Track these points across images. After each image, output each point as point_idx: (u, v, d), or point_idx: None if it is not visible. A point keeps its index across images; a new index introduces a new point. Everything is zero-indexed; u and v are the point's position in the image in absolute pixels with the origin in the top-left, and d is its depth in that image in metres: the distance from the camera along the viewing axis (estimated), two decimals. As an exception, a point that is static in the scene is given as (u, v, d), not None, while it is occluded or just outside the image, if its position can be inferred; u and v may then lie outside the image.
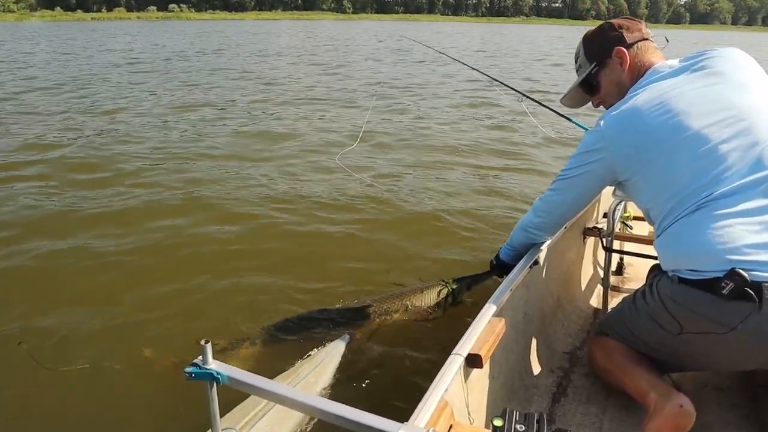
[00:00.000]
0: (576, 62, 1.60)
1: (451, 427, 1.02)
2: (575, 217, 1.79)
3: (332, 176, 4.29)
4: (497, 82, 2.83)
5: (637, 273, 2.33)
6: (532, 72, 12.83)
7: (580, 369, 1.68)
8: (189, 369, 0.92)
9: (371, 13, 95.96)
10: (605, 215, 2.09)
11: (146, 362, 1.99)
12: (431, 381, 1.06)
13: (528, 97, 2.56)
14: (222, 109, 7.25)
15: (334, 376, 1.82)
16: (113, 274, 2.69)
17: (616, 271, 2.32)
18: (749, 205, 1.14)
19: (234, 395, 1.23)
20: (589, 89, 1.56)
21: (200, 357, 0.92)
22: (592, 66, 1.51)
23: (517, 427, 0.99)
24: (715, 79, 1.27)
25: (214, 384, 0.92)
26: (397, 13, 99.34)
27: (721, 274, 1.12)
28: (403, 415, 0.93)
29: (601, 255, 2.19)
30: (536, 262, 1.63)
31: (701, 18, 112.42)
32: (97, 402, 1.85)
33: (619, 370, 1.42)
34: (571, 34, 36.75)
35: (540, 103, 2.62)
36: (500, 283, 1.47)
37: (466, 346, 1.18)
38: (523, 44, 25.67)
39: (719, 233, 1.14)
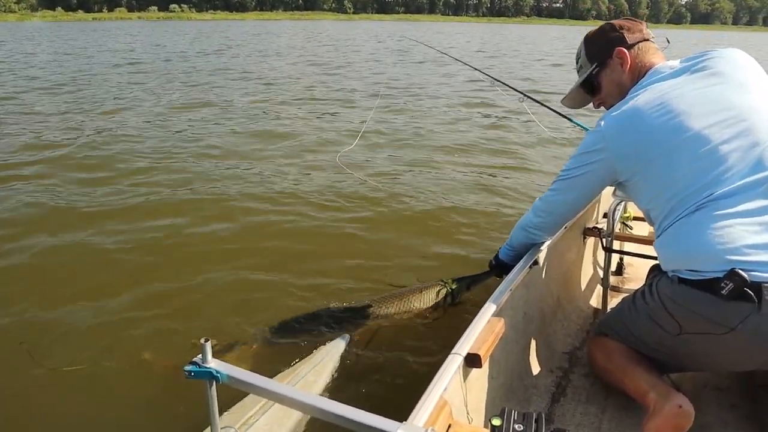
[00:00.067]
0: (577, 63, 1.60)
1: (449, 426, 1.02)
2: (575, 217, 1.79)
3: (332, 175, 4.29)
4: (498, 82, 2.82)
5: (636, 273, 2.33)
6: (532, 72, 12.83)
7: (579, 369, 1.67)
8: (188, 367, 0.92)
9: (372, 13, 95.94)
10: (605, 215, 2.09)
11: (145, 361, 1.99)
12: (430, 380, 1.06)
13: (529, 97, 2.55)
14: (222, 109, 7.25)
15: (333, 375, 1.82)
16: (113, 273, 2.69)
17: (615, 271, 2.32)
18: (749, 206, 1.15)
19: (233, 394, 1.24)
20: (590, 90, 1.57)
21: (199, 356, 0.92)
22: (593, 66, 1.51)
23: (516, 426, 0.99)
24: (716, 79, 1.27)
25: (214, 383, 0.92)
26: (398, 13, 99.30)
27: (720, 275, 1.12)
28: (402, 414, 0.93)
29: (601, 255, 2.19)
30: (536, 262, 1.63)
31: (702, 18, 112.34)
32: (96, 401, 1.85)
33: (619, 370, 1.42)
34: (572, 35, 36.75)
35: (541, 103, 2.62)
36: (500, 283, 1.47)
37: (465, 345, 1.18)
38: (523, 44, 25.67)
39: (719, 233, 1.14)
